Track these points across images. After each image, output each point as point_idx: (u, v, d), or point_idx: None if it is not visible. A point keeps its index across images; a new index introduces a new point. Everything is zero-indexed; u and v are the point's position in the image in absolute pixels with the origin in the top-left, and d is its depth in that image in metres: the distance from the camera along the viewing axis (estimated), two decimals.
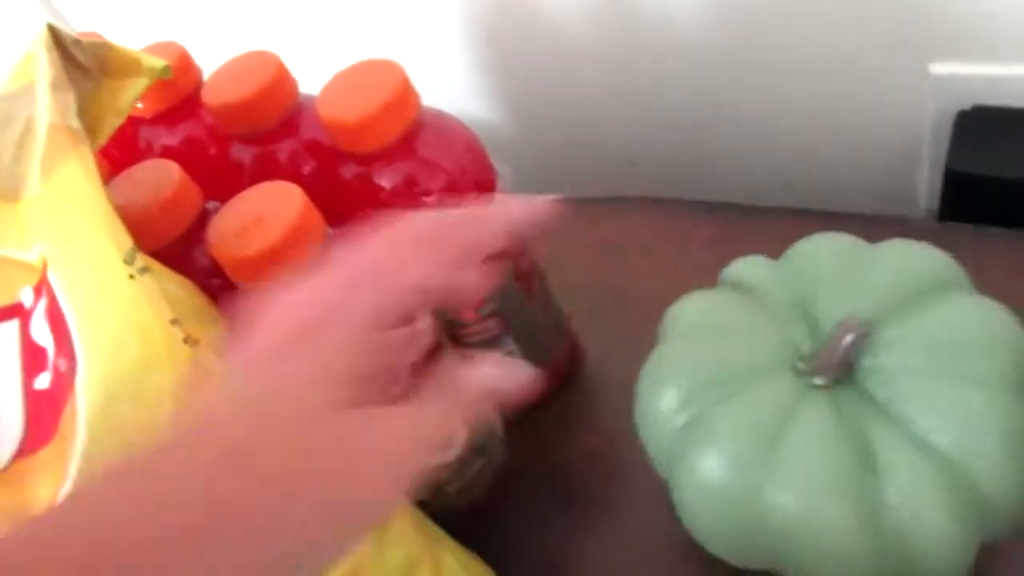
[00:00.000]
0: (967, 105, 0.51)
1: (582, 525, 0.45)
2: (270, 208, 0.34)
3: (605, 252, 0.56)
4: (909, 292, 0.35)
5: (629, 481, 0.45)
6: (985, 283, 0.35)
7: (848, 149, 0.59)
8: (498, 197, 0.42)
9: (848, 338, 0.33)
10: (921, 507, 0.31)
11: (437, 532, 0.40)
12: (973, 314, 0.33)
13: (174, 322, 0.31)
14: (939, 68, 0.52)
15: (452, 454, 0.42)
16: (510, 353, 0.46)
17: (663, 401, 0.36)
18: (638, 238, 0.56)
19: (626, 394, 0.39)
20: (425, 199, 0.40)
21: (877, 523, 0.32)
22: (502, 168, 0.43)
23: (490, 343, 0.46)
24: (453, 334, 0.45)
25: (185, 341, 0.31)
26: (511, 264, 0.44)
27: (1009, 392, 0.32)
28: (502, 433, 0.47)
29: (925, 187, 0.51)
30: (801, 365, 0.35)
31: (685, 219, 0.56)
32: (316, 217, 0.35)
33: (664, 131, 0.64)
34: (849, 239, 0.38)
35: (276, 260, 0.33)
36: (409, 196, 0.40)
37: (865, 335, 0.33)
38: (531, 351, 0.47)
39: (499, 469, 0.46)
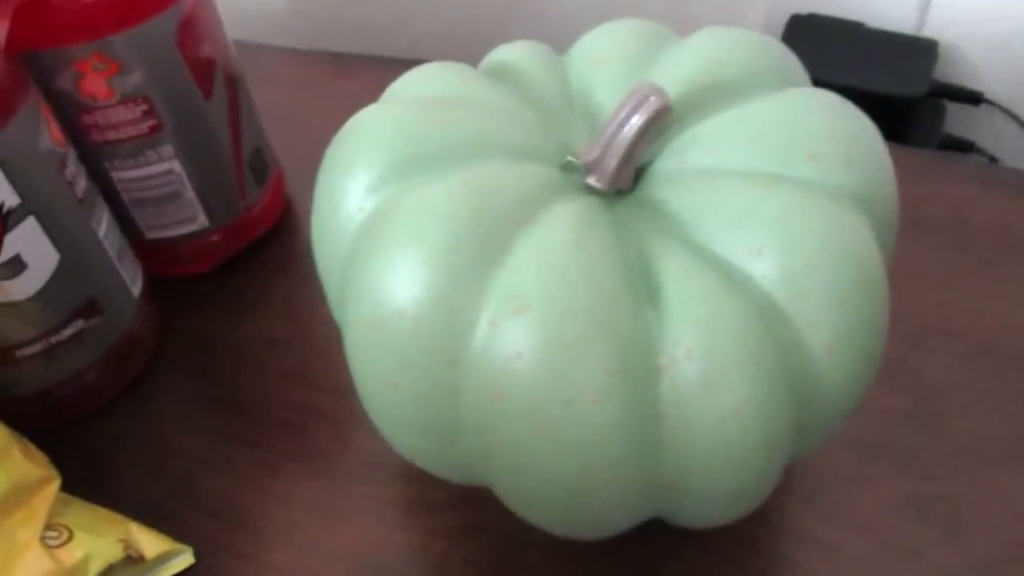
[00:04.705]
0: (802, 10, 0.45)
1: (230, 439, 0.31)
2: None
3: (348, 106, 0.42)
4: (727, 83, 0.24)
5: (317, 388, 0.32)
6: None
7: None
8: None
9: (640, 114, 0.22)
10: (721, 359, 0.19)
11: None
12: (815, 106, 0.23)
13: None
14: None
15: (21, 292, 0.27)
16: (168, 173, 0.32)
17: (347, 186, 0.22)
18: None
19: None
20: None
21: (651, 390, 0.20)
22: None
23: (134, 147, 0.31)
24: (73, 119, 0.29)
25: None
26: (176, 30, 0.30)
27: (856, 212, 0.21)
28: (139, 293, 0.31)
29: None
30: (572, 160, 0.23)
31: None
32: None
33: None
34: (653, 25, 0.27)
35: None
36: None
37: (664, 112, 0.22)
38: (203, 179, 0.33)
39: (125, 341, 0.31)
